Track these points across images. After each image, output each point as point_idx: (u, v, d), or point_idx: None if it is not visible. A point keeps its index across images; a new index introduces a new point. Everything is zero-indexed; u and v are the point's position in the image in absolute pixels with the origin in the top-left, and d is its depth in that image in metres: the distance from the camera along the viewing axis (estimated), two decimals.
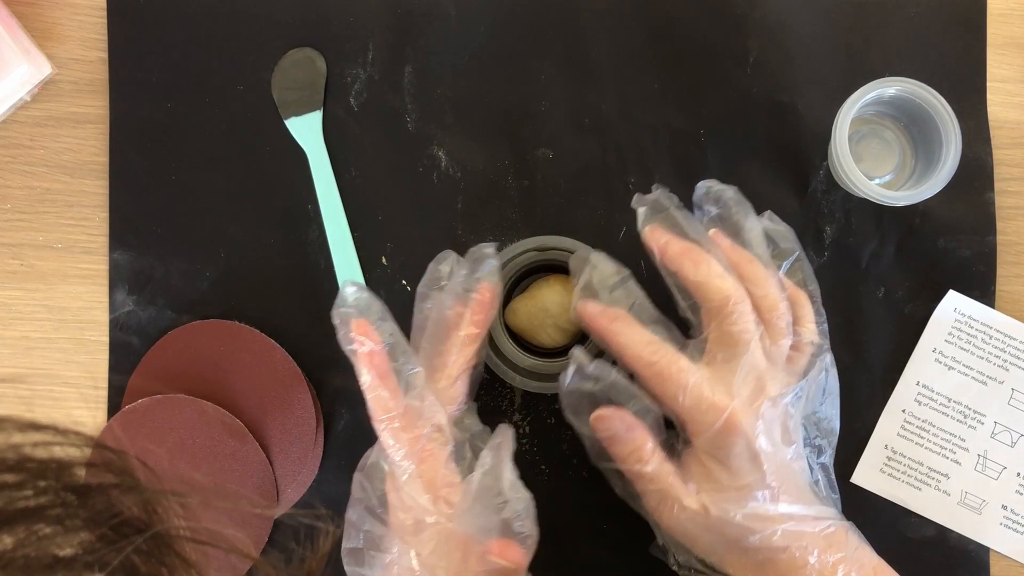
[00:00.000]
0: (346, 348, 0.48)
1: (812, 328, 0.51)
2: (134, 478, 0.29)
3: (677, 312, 0.51)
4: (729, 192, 0.52)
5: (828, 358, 0.52)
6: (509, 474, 0.47)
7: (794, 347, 0.50)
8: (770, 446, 0.48)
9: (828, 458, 0.53)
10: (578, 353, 0.50)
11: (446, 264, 0.52)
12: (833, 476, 0.53)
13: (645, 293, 0.51)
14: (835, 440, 0.53)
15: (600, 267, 0.51)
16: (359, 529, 0.49)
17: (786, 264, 0.52)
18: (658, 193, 0.51)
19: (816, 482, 0.52)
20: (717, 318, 0.49)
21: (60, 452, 0.28)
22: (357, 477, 0.50)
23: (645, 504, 0.50)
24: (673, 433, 0.51)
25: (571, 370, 0.49)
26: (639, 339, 0.49)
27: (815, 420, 0.53)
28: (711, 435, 0.48)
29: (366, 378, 0.48)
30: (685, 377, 0.48)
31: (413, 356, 0.49)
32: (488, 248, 0.52)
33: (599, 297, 0.51)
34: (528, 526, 0.46)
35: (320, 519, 0.39)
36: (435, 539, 0.47)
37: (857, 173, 0.54)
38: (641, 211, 0.51)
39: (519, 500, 0.47)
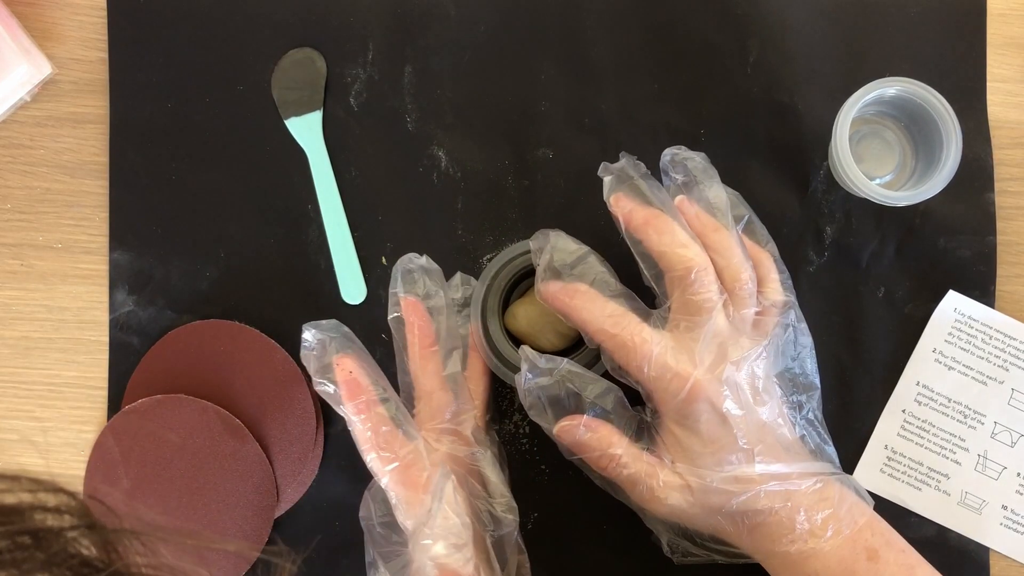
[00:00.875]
0: (317, 390, 0.49)
1: (776, 287, 0.51)
2: (91, 518, 0.29)
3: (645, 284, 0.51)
4: (697, 159, 0.52)
5: (793, 314, 0.52)
6: (445, 511, 0.47)
7: (761, 311, 0.50)
8: (739, 409, 0.48)
9: (812, 412, 0.53)
10: (527, 350, 0.50)
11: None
12: (823, 429, 0.53)
13: (608, 267, 0.51)
14: (817, 393, 0.53)
15: (559, 246, 0.51)
16: (366, 545, 0.50)
17: (737, 229, 0.52)
18: (624, 161, 0.51)
19: (802, 438, 0.52)
20: (680, 287, 0.49)
21: (12, 499, 0.28)
22: (365, 496, 0.50)
23: (624, 490, 0.51)
24: (642, 408, 0.51)
25: (524, 368, 0.50)
26: (600, 312, 0.49)
27: (790, 377, 0.52)
28: (677, 404, 0.48)
29: (343, 411, 0.48)
30: (648, 348, 0.48)
31: (375, 386, 0.49)
32: (416, 261, 0.52)
33: (561, 277, 0.51)
34: (457, 560, 0.46)
35: (280, 555, 0.39)
36: (407, 566, 0.47)
37: (857, 173, 0.54)
38: (607, 180, 0.51)
39: (449, 535, 0.46)
